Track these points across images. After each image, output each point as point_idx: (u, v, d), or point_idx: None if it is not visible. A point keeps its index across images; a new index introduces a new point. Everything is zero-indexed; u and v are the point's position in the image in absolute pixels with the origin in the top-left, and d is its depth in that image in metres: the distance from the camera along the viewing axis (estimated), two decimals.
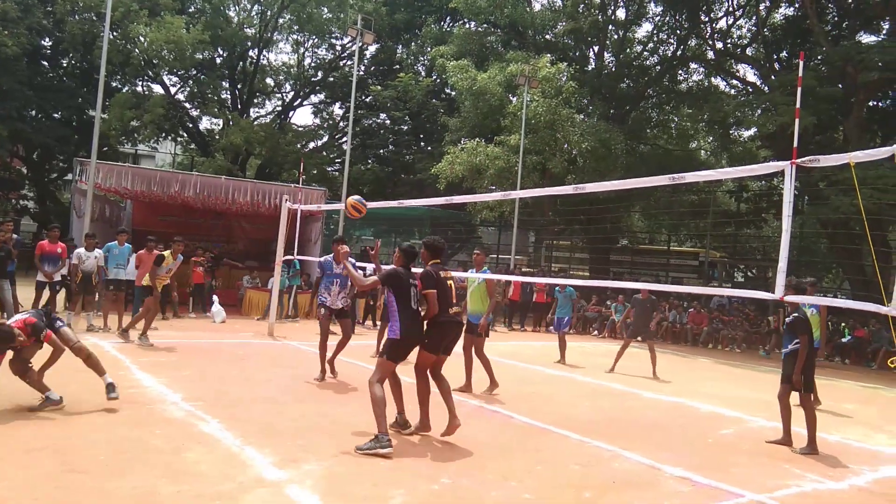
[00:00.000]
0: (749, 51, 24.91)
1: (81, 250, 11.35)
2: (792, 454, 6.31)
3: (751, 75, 26.26)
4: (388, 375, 5.79)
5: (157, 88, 28.89)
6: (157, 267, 10.43)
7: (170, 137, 33.15)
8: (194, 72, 28.59)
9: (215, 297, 14.43)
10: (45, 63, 27.49)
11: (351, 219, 9.94)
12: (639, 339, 11.61)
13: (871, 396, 10.90)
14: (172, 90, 29.72)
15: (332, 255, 8.52)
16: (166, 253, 10.74)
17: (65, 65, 28.27)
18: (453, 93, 25.87)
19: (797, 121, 5.19)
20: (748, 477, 5.38)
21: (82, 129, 26.36)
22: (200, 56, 26.55)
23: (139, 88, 28.27)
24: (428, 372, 5.94)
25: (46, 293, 11.05)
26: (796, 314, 6.59)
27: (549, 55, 23.02)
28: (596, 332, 18.60)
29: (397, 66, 30.92)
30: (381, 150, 32.24)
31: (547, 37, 26.60)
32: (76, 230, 14.38)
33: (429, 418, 5.95)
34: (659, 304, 11.81)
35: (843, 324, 16.69)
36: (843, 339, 16.36)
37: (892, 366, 4.40)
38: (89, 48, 24.62)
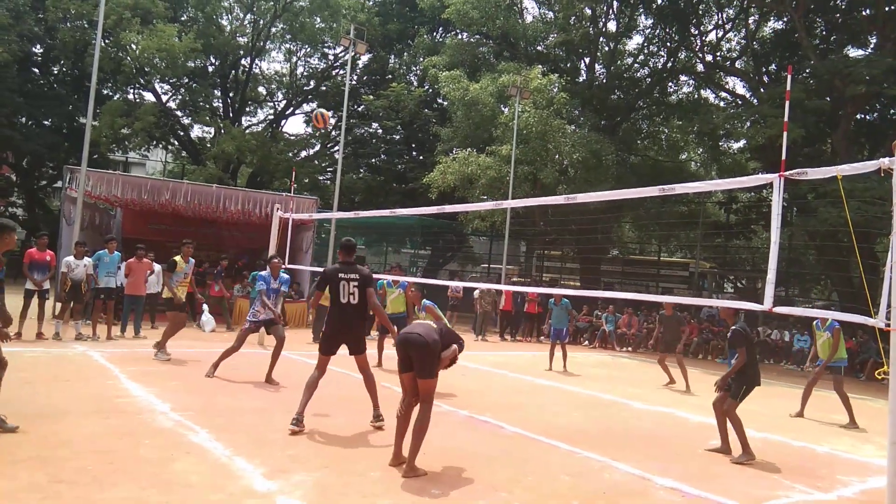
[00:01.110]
0: (738, 64, 25.17)
1: (71, 258, 11.29)
2: (782, 465, 6.32)
3: (740, 88, 26.53)
4: (321, 367, 6.47)
5: (149, 96, 28.87)
6: (172, 274, 10.13)
7: (161, 145, 33.05)
8: (186, 80, 28.55)
9: (205, 307, 14.36)
10: (36, 70, 27.42)
11: (316, 126, 10.52)
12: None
13: (859, 407, 10.93)
14: (164, 98, 29.67)
15: (268, 271, 9.07)
16: (177, 258, 10.35)
17: (56, 72, 28.22)
18: (445, 103, 25.96)
19: (785, 134, 5.24)
20: (737, 488, 5.39)
21: (73, 136, 26.27)
22: (192, 64, 26.55)
23: (130, 96, 28.25)
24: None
25: (35, 301, 10.96)
26: (734, 328, 6.72)
27: (540, 66, 23.15)
28: (587, 343, 18.63)
29: (389, 76, 31.00)
30: (373, 160, 32.28)
31: (539, 48, 26.77)
32: (66, 238, 14.30)
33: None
34: (686, 320, 11.98)
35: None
36: None
37: (880, 377, 4.44)
38: (81, 55, 24.58)
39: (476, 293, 18.25)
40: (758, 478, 5.79)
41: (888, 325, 4.18)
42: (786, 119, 5.36)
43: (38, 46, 26.56)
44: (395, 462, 5.20)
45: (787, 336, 17.40)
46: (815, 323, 9.31)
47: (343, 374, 9.21)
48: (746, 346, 6.52)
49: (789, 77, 5.76)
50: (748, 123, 20.95)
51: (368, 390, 6.61)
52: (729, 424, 6.58)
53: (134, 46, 23.70)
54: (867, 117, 21.48)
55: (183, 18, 27.73)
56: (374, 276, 12.15)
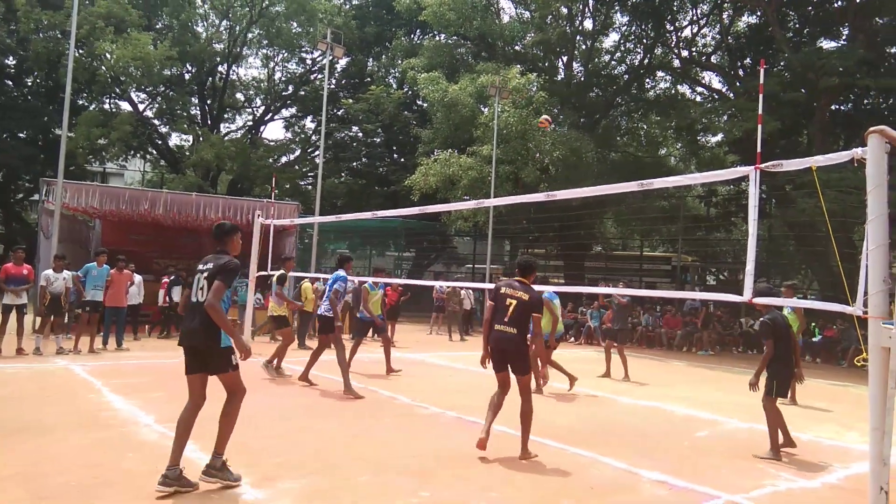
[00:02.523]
0: (714, 58, 25.45)
1: (49, 272, 11.14)
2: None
3: (716, 82, 26.83)
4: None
5: (125, 105, 28.62)
6: (282, 287, 10.20)
7: (139, 155, 32.75)
8: (162, 88, 28.33)
9: None
10: (10, 82, 27.07)
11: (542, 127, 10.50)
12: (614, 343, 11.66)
13: (841, 394, 11.11)
14: (140, 107, 29.42)
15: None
16: (281, 272, 10.50)
17: (29, 83, 27.87)
18: (425, 105, 25.98)
19: (760, 126, 5.30)
20: (724, 478, 5.44)
21: (48, 148, 25.95)
22: (168, 72, 26.33)
23: (106, 106, 27.98)
24: None
25: (14, 317, 10.79)
26: (763, 318, 6.59)
27: (518, 66, 23.24)
28: (573, 339, 18.71)
29: (368, 79, 30.97)
30: (355, 163, 32.20)
31: (516, 48, 26.87)
32: (43, 251, 14.13)
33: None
34: (637, 313, 12.04)
35: (813, 324, 17.01)
36: (814, 339, 16.67)
37: (859, 364, 4.49)
38: (54, 66, 24.29)
39: (439, 292, 18.40)
40: (744, 468, 5.85)
41: (865, 313, 4.23)
42: (760, 112, 5.42)
43: (11, 58, 26.21)
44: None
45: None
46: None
47: (327, 379, 9.18)
48: (774, 337, 6.35)
49: (762, 71, 5.83)
50: (725, 117, 21.20)
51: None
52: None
53: (108, 56, 23.47)
54: (842, 108, 21.81)
55: (158, 26, 27.52)
56: (362, 278, 12.17)
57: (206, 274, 4.66)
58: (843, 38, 20.79)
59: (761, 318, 6.64)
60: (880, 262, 4.14)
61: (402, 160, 29.51)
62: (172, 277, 14.49)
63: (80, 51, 23.17)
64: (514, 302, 5.85)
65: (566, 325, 19.27)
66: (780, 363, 6.39)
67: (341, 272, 8.87)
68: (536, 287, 6.24)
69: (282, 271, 10.51)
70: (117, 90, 27.04)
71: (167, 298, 14.22)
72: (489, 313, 6.00)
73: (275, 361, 9.72)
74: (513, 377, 5.93)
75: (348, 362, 9.82)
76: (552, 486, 5.02)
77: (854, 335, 15.08)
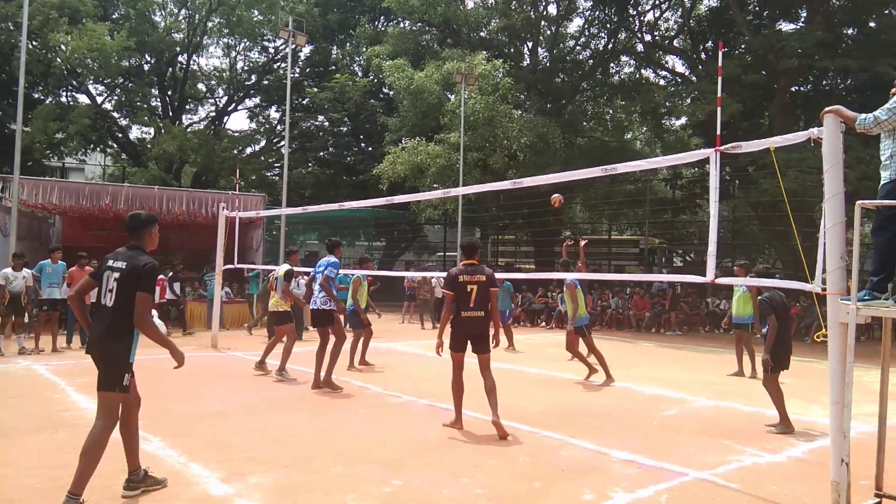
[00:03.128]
0: (676, 42, 25.70)
1: (8, 270, 10.85)
2: (734, 431, 6.52)
3: (679, 66, 27.09)
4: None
5: (83, 98, 27.81)
6: (288, 283, 9.42)
7: (99, 149, 31.91)
8: (121, 80, 27.60)
9: (154, 312, 14.00)
10: None
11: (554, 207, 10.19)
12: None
13: (805, 370, 11.36)
14: (99, 99, 28.65)
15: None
16: (287, 267, 9.70)
17: None
18: (391, 92, 25.80)
19: (719, 109, 5.37)
20: (691, 456, 5.55)
21: (3, 143, 25.12)
22: (127, 63, 25.70)
23: (63, 99, 27.15)
24: None
25: None
26: (761, 297, 6.73)
27: (484, 52, 23.20)
28: (544, 324, 18.87)
29: (333, 67, 30.60)
30: (321, 153, 31.86)
31: (481, 34, 26.80)
32: (2, 250, 13.75)
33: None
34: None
35: None
36: None
37: (819, 340, 4.60)
38: (7, 59, 23.51)
39: (410, 281, 18.42)
40: (711, 445, 5.96)
41: (824, 289, 4.33)
42: (719, 95, 5.48)
43: None
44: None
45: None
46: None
47: (302, 372, 9.12)
48: (775, 313, 6.54)
49: (720, 53, 5.89)
50: (688, 100, 21.45)
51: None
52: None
53: (63, 47, 22.79)
54: (801, 89, 22.20)
55: (114, 16, 26.80)
56: (349, 271, 11.93)
57: (117, 275, 4.11)
58: (802, 20, 21.13)
59: (759, 297, 6.77)
60: (837, 240, 4.23)
61: (370, 149, 29.30)
62: (171, 275, 14.49)
63: (34, 43, 22.47)
64: (475, 286, 6.09)
65: (537, 310, 19.47)
66: (777, 340, 6.58)
67: (332, 257, 8.37)
68: (509, 275, 6.37)
69: (288, 266, 9.71)
70: (74, 83, 26.30)
71: (164, 295, 14.29)
72: (450, 302, 6.14)
73: (286, 366, 9.03)
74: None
75: (351, 356, 9.80)
76: (523, 469, 5.06)
77: (815, 312, 15.46)
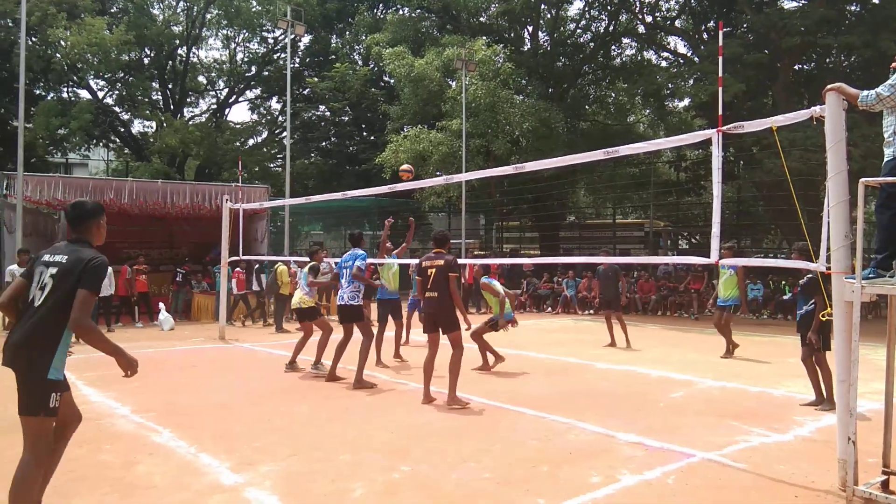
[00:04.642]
0: (678, 23, 25.43)
1: (14, 267, 10.92)
2: (741, 411, 6.52)
3: (681, 47, 26.84)
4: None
5: (84, 93, 27.85)
6: (314, 277, 9.18)
7: (101, 144, 31.98)
8: (122, 74, 27.59)
9: (161, 305, 14.09)
10: None
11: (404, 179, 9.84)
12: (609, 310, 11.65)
13: None
14: (100, 94, 28.66)
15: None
16: (312, 263, 9.40)
17: None
18: (392, 81, 25.67)
19: (720, 89, 5.33)
20: (698, 437, 5.56)
21: (6, 140, 25.17)
22: (126, 57, 25.63)
23: (64, 95, 27.17)
24: None
25: None
26: (810, 275, 6.54)
27: (484, 38, 23.03)
28: (549, 309, 18.88)
29: (333, 57, 30.45)
30: (324, 143, 31.79)
31: (481, 19, 26.58)
32: (8, 246, 13.84)
33: None
34: (621, 272, 11.97)
35: (783, 282, 17.30)
36: (784, 297, 16.96)
37: (824, 319, 4.60)
38: (7, 56, 23.51)
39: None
40: (718, 426, 5.97)
41: (828, 268, 4.31)
42: (720, 75, 5.45)
43: None
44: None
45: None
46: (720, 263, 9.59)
47: (309, 362, 9.16)
48: (821, 293, 6.33)
49: (721, 33, 5.84)
50: (691, 81, 21.27)
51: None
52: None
53: (63, 43, 22.76)
54: (804, 68, 21.99)
55: (112, 10, 26.71)
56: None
57: (54, 270, 3.40)
58: None
59: (808, 276, 6.60)
60: (841, 218, 4.21)
61: (372, 138, 29.20)
62: (257, 266, 14.84)
63: (33, 39, 22.45)
64: (434, 270, 6.77)
65: (543, 295, 19.47)
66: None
67: (358, 250, 8.08)
68: (516, 261, 6.40)
69: (313, 262, 9.41)
70: (75, 78, 26.30)
71: (242, 287, 14.58)
72: (419, 286, 6.98)
73: (321, 359, 8.77)
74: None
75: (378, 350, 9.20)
76: (530, 453, 5.08)
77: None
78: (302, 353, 8.92)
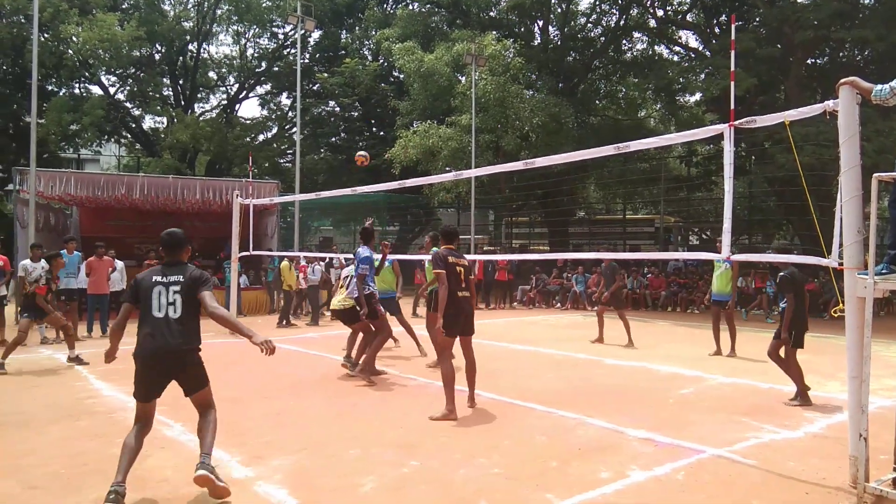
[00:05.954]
0: (689, 17, 25.24)
1: (27, 262, 10.97)
2: (752, 407, 6.49)
3: (693, 41, 26.65)
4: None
5: (96, 89, 27.99)
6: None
7: (113, 139, 32.18)
8: (133, 70, 27.75)
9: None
10: None
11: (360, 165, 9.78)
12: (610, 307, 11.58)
13: (823, 346, 11.27)
14: (111, 90, 28.82)
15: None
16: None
17: None
18: (401, 76, 25.65)
19: (732, 84, 5.29)
20: (708, 433, 5.54)
21: (19, 136, 25.39)
22: (138, 53, 25.78)
23: (76, 90, 27.32)
24: None
25: None
26: (782, 273, 6.70)
27: (494, 32, 22.97)
28: (559, 305, 18.85)
29: (343, 52, 30.47)
30: (333, 139, 31.83)
31: (491, 14, 26.52)
32: (21, 241, 13.93)
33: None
34: (619, 269, 11.86)
35: None
36: None
37: (836, 315, 4.56)
38: (20, 52, 23.67)
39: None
40: (728, 422, 5.95)
41: (841, 264, 4.28)
42: (732, 69, 5.39)
43: None
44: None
45: (754, 284, 17.69)
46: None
47: (318, 357, 9.20)
48: (794, 291, 6.56)
49: (733, 27, 5.79)
50: (702, 76, 21.13)
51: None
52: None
53: (75, 39, 22.91)
54: (817, 62, 21.78)
55: (123, 6, 26.83)
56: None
57: (177, 288, 4.31)
58: None
59: (780, 274, 6.73)
60: (854, 214, 4.18)
61: (382, 133, 29.23)
62: (328, 260, 15.32)
63: (45, 35, 22.59)
64: (462, 269, 6.27)
65: (552, 291, 19.44)
66: (795, 316, 6.58)
67: (365, 249, 7.82)
68: (525, 257, 6.35)
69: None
70: (86, 74, 26.44)
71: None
72: (444, 280, 6.04)
73: (361, 361, 8.31)
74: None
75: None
76: (539, 449, 5.08)
77: (833, 287, 15.30)
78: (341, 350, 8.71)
